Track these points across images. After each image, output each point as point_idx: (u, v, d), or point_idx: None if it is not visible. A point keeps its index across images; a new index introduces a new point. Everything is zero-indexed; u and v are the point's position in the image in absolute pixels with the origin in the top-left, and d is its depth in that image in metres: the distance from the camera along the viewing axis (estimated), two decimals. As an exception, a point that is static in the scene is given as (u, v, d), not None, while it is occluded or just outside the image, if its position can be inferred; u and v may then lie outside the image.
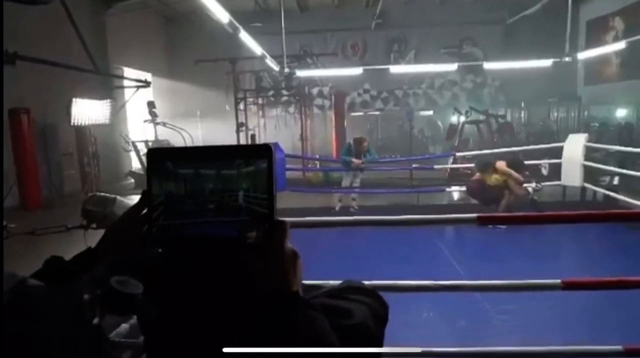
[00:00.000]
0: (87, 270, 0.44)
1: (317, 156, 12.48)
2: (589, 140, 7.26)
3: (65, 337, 0.34)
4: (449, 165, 9.55)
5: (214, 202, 0.54)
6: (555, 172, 7.77)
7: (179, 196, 0.55)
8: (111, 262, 0.42)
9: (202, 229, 0.54)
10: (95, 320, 0.37)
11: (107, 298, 0.38)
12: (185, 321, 0.45)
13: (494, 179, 6.79)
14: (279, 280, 0.53)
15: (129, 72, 11.74)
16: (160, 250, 0.51)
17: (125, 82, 10.81)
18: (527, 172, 7.40)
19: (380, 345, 0.63)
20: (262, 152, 0.55)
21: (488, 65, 11.47)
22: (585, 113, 12.65)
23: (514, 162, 7.00)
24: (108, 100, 9.53)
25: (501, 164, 6.80)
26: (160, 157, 0.57)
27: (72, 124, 8.42)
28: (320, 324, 0.52)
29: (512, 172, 6.69)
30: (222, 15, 5.38)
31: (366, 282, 2.10)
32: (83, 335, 0.36)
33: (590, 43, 11.98)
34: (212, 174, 0.55)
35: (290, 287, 0.53)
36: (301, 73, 11.35)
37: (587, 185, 7.09)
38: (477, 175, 7.14)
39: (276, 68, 10.21)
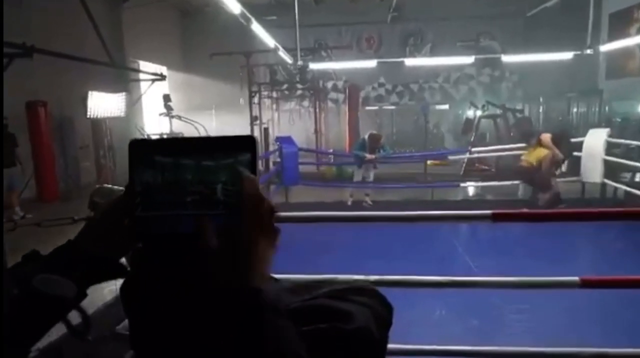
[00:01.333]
0: (68, 264, 0.40)
1: (331, 150, 12.43)
2: (610, 136, 7.07)
3: None
4: (465, 156, 9.38)
5: (192, 194, 0.51)
6: (575, 167, 7.59)
7: (157, 187, 0.52)
8: (51, 259, 0.37)
9: (174, 223, 0.51)
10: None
11: (24, 300, 0.32)
12: (159, 325, 0.41)
13: (536, 154, 6.36)
14: (234, 273, 0.42)
15: (144, 65, 11.81)
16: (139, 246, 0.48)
17: (141, 76, 10.89)
18: (574, 153, 6.93)
19: (384, 350, 0.60)
20: (246, 144, 0.51)
21: (506, 58, 11.25)
22: (607, 108, 12.33)
23: (562, 136, 6.61)
24: (124, 93, 9.61)
25: (546, 137, 6.40)
26: (143, 148, 0.54)
27: (88, 116, 8.52)
28: (285, 338, 0.42)
29: (554, 148, 6.30)
30: (234, 7, 5.35)
31: (376, 277, 2.05)
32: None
33: (613, 36, 11.64)
34: (192, 165, 0.52)
35: (249, 281, 0.42)
36: (314, 66, 11.29)
37: (607, 181, 6.90)
38: (523, 157, 6.74)
39: (290, 61, 10.16)
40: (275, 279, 0.76)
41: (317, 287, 0.70)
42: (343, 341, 0.54)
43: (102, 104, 8.74)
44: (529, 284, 2.22)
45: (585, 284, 2.15)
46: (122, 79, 10.52)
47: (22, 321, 0.31)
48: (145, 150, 0.53)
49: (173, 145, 0.54)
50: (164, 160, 0.52)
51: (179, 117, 11.28)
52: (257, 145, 0.51)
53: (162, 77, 11.04)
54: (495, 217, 2.13)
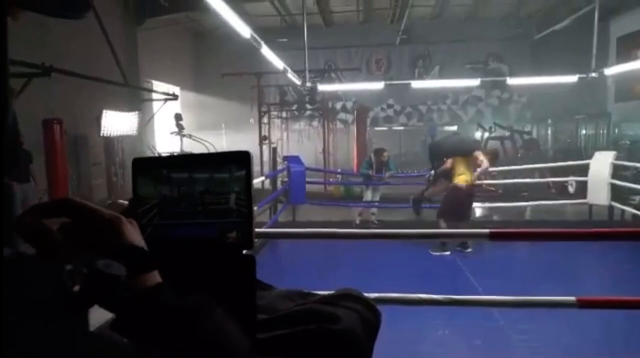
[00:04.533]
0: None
1: (339, 170, 12.51)
2: (620, 158, 7.07)
3: (41, 299, 0.36)
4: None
5: (199, 205, 0.58)
6: (582, 190, 7.58)
7: (169, 198, 0.59)
8: (106, 251, 0.46)
9: (185, 231, 0.58)
10: (76, 288, 0.40)
11: (91, 277, 0.42)
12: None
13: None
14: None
15: (157, 85, 12.08)
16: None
17: (154, 95, 11.13)
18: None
19: (369, 353, 0.62)
20: (241, 159, 0.58)
21: (512, 81, 11.35)
22: (616, 130, 12.32)
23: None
24: (136, 112, 9.81)
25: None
26: (144, 165, 0.60)
27: (101, 135, 8.71)
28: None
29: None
30: (244, 31, 5.52)
31: (376, 295, 2.10)
32: (60, 299, 0.38)
33: (621, 59, 11.70)
34: (195, 179, 0.58)
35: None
36: (323, 87, 11.46)
37: (614, 204, 6.88)
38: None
39: (299, 82, 10.35)
40: (271, 286, 0.82)
41: (309, 295, 0.75)
42: (330, 340, 0.56)
43: (116, 123, 8.94)
44: (527, 303, 2.25)
45: (582, 305, 2.18)
46: (135, 98, 10.76)
47: (90, 295, 0.41)
48: (146, 167, 0.59)
49: (172, 161, 0.61)
50: (163, 175, 0.59)
51: (190, 136, 11.46)
52: (251, 160, 0.59)
53: (175, 97, 11.27)
54: (492, 236, 2.18)
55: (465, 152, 5.80)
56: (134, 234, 0.49)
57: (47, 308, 0.36)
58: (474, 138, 7.06)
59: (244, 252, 0.60)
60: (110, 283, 0.42)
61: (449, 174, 5.90)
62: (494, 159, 6.10)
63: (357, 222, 7.65)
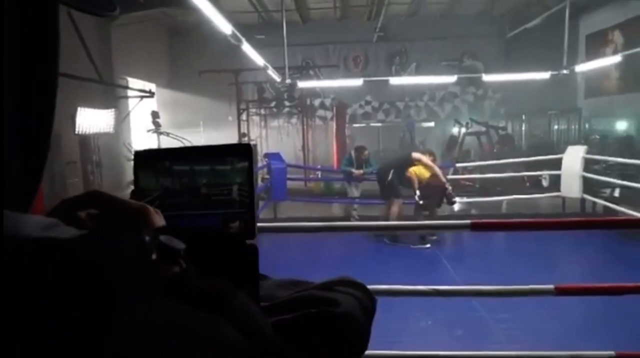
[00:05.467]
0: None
1: (319, 166, 12.55)
2: (590, 153, 7.30)
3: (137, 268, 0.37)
4: (450, 176, 9.58)
5: (201, 197, 0.60)
6: (555, 183, 7.81)
7: (171, 190, 0.60)
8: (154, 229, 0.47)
9: (188, 222, 0.59)
10: (154, 256, 0.41)
11: (160, 250, 0.43)
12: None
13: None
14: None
15: (133, 82, 11.87)
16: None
17: (130, 92, 10.93)
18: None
19: (368, 337, 0.64)
20: (243, 152, 0.60)
21: (487, 77, 11.59)
22: (586, 125, 12.71)
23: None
24: (112, 110, 9.63)
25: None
26: (146, 159, 0.61)
27: (76, 132, 8.51)
28: None
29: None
30: (225, 27, 5.48)
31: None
32: (146, 269, 0.38)
33: (590, 56, 12.07)
34: (198, 171, 0.60)
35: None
36: (302, 84, 11.47)
37: (586, 196, 7.11)
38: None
39: (278, 79, 10.33)
40: (266, 276, 0.84)
41: (305, 282, 0.77)
42: (332, 322, 0.57)
43: (91, 120, 8.75)
44: (506, 292, 2.33)
45: (560, 292, 2.26)
46: (110, 95, 10.55)
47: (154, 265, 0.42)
48: (148, 160, 0.59)
49: (174, 153, 0.62)
50: (165, 167, 0.60)
51: (167, 134, 11.32)
52: (253, 153, 0.60)
53: (151, 94, 11.10)
54: (474, 226, 2.25)
55: (407, 158, 6.28)
56: (161, 222, 0.51)
57: (139, 279, 0.37)
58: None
59: (247, 241, 0.62)
60: (175, 255, 0.44)
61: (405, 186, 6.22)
62: (431, 155, 6.50)
63: (357, 217, 7.66)
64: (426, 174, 6.11)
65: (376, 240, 6.04)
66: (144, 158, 0.61)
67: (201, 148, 0.62)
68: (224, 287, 0.48)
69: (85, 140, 9.35)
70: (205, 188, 0.59)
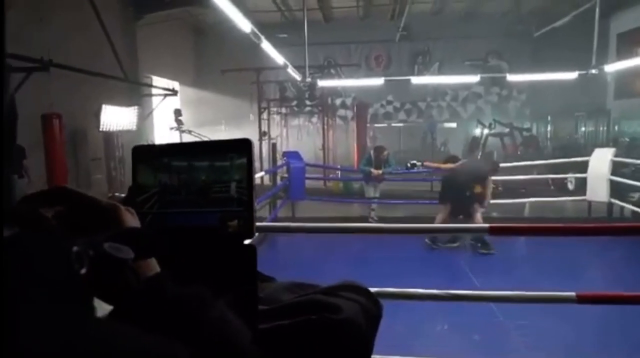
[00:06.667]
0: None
1: (338, 166, 12.51)
2: (619, 155, 7.07)
3: (47, 279, 0.35)
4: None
5: (199, 193, 0.58)
6: (582, 186, 7.59)
7: (169, 187, 0.58)
8: (110, 234, 0.44)
9: (186, 219, 0.57)
10: (83, 271, 0.39)
11: (97, 259, 0.40)
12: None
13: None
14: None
15: (157, 80, 12.06)
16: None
17: (154, 91, 11.11)
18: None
19: (371, 343, 0.62)
20: (242, 147, 0.58)
21: (511, 77, 11.34)
22: (615, 127, 12.33)
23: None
24: (135, 107, 9.80)
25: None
26: (144, 153, 0.60)
27: (101, 129, 8.70)
28: None
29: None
30: (244, 25, 5.51)
31: (376, 289, 2.11)
32: (66, 281, 0.36)
33: (622, 56, 11.69)
34: (195, 167, 0.58)
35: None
36: (322, 83, 11.45)
37: (614, 200, 6.88)
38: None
39: (299, 78, 10.33)
40: (272, 278, 0.82)
41: (310, 286, 0.75)
42: (331, 330, 0.56)
43: (115, 118, 8.92)
44: (527, 299, 2.26)
45: (581, 300, 2.18)
46: (134, 93, 10.74)
47: (96, 277, 0.40)
48: (146, 155, 0.58)
49: (173, 149, 0.61)
50: (164, 163, 0.59)
51: (189, 132, 11.46)
52: (252, 148, 0.58)
53: (174, 92, 11.26)
54: (492, 231, 2.19)
55: (485, 175, 6.05)
56: (133, 222, 0.49)
57: (52, 291, 0.34)
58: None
59: (245, 242, 0.60)
60: (118, 266, 0.41)
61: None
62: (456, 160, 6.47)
63: (375, 218, 7.55)
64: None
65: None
66: (142, 153, 0.59)
67: (200, 144, 0.60)
68: (199, 295, 0.45)
69: (109, 138, 9.55)
70: (204, 185, 0.58)
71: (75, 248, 0.38)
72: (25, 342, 0.30)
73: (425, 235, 5.83)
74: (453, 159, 6.59)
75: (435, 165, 6.70)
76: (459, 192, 5.84)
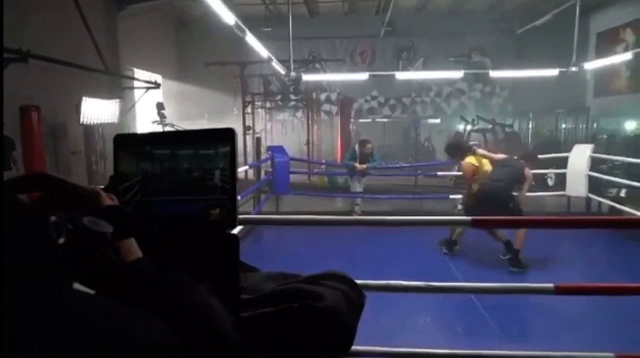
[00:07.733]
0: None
1: (323, 160, 12.52)
2: (597, 152, 7.22)
3: (25, 248, 0.34)
4: (454, 173, 9.50)
5: (182, 182, 0.57)
6: (561, 182, 7.73)
7: (152, 175, 0.58)
8: (88, 209, 0.43)
9: (169, 208, 0.57)
10: (61, 240, 0.38)
11: (76, 232, 0.40)
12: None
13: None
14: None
15: (139, 73, 11.87)
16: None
17: (135, 83, 10.94)
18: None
19: (353, 331, 0.63)
20: (226, 136, 0.57)
21: (494, 74, 11.48)
22: (594, 124, 12.58)
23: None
24: (117, 100, 9.65)
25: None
26: (126, 142, 0.59)
27: (81, 122, 8.54)
28: None
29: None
30: (228, 18, 5.45)
31: (360, 282, 2.13)
32: (44, 250, 0.36)
33: (600, 55, 11.91)
34: (179, 155, 0.57)
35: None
36: (307, 77, 11.42)
37: (592, 196, 7.04)
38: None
39: (284, 72, 10.29)
40: (255, 268, 0.82)
41: (292, 276, 0.75)
42: (313, 317, 0.57)
43: (96, 110, 8.77)
44: (506, 290, 2.30)
45: (560, 291, 2.23)
46: (116, 86, 10.56)
47: (75, 249, 0.39)
48: (128, 144, 0.58)
49: (156, 138, 0.60)
50: (147, 151, 0.58)
51: (172, 125, 11.33)
52: (235, 137, 0.58)
53: (157, 86, 11.11)
54: (474, 223, 2.22)
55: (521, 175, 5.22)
56: None
57: (30, 259, 0.33)
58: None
59: (228, 231, 0.59)
60: (97, 240, 0.41)
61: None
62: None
63: (359, 212, 7.53)
64: None
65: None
66: (124, 142, 0.59)
67: (183, 132, 0.60)
68: (182, 280, 0.45)
69: (89, 131, 9.39)
70: (186, 173, 0.57)
71: (53, 218, 0.37)
72: None
73: (438, 240, 5.63)
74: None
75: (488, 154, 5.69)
76: (500, 203, 4.69)
